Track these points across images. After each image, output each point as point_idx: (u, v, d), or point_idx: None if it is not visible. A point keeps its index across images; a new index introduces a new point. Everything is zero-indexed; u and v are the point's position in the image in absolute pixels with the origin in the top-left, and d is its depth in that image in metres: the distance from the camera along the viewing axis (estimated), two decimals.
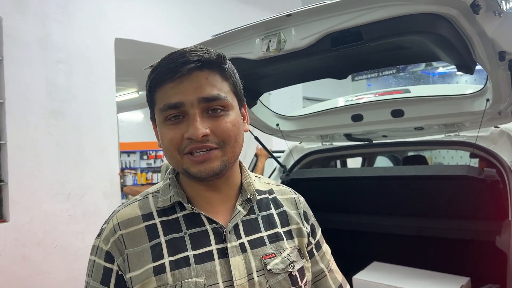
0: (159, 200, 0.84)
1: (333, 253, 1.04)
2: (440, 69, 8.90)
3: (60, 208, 3.27)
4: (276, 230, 0.88)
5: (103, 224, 0.85)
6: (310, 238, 0.95)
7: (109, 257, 0.79)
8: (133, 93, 6.70)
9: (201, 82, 0.78)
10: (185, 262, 0.78)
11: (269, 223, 0.89)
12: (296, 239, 0.91)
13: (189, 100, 0.77)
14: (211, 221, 0.83)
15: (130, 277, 0.77)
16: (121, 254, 0.79)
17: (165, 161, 5.52)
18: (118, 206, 0.87)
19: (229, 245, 0.81)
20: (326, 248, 1.01)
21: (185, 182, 0.86)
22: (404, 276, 2.07)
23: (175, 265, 0.77)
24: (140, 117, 10.89)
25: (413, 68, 8.07)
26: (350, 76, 8.42)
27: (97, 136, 3.53)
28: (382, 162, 4.59)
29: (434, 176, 2.13)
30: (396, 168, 2.52)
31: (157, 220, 0.82)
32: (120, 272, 0.79)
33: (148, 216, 0.83)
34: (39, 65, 3.22)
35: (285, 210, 0.93)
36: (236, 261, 0.81)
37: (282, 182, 2.56)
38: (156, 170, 9.78)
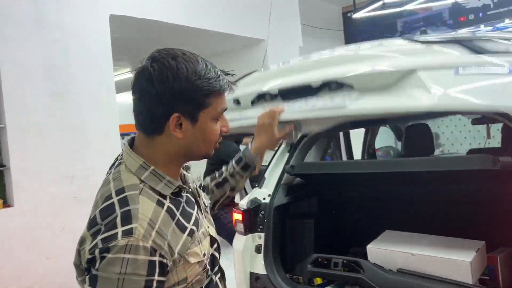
0: (158, 189, 0.98)
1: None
2: None
3: (65, 191, 3.23)
4: (193, 184, 1.19)
5: (126, 225, 0.88)
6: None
7: (153, 251, 0.89)
8: (127, 73, 6.59)
9: None
10: (196, 221, 1.04)
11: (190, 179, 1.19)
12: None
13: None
14: (186, 191, 1.08)
15: (176, 252, 0.94)
16: (163, 244, 0.91)
17: None
18: (121, 208, 0.91)
19: (200, 203, 1.13)
20: None
21: (164, 162, 1.02)
22: (418, 243, 2.07)
23: (195, 226, 1.02)
24: None
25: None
26: None
27: (99, 117, 3.47)
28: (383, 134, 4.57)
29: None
30: (405, 162, 2.25)
31: (167, 203, 0.98)
32: (164, 261, 0.90)
33: (160, 203, 0.96)
34: (35, 45, 3.13)
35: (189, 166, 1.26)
36: (202, 206, 1.14)
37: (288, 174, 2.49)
38: None
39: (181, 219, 0.98)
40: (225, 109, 1.03)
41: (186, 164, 1.16)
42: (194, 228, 1.00)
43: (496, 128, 3.08)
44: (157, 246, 0.89)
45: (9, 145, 2.97)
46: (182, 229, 0.97)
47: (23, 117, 3.03)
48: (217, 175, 1.44)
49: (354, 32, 8.26)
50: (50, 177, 3.15)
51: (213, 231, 1.13)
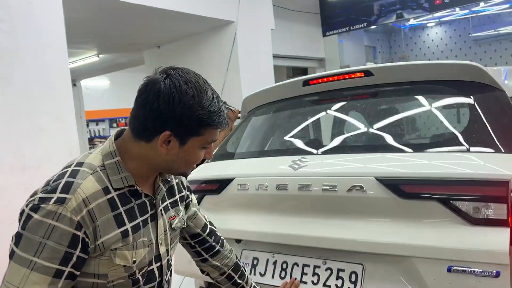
0: (112, 180, 1.03)
1: None
2: (412, 21, 8.76)
3: (15, 181, 3.03)
4: (175, 198, 1.23)
5: (63, 193, 0.96)
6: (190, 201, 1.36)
7: (79, 226, 0.95)
8: (93, 57, 6.32)
9: None
10: (138, 227, 1.06)
11: (171, 192, 1.22)
12: (183, 203, 1.28)
13: None
14: (146, 195, 1.11)
15: (102, 241, 0.99)
16: (91, 224, 0.97)
17: None
18: (68, 177, 0.99)
19: (158, 211, 1.13)
20: (195, 199, 1.40)
21: (136, 163, 1.07)
22: None
23: (134, 229, 1.05)
24: (106, 83, 10.38)
25: (384, 21, 7.89)
26: (321, 31, 8.20)
27: (51, 103, 3.26)
28: None
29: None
30: None
31: (113, 194, 1.03)
32: (86, 239, 0.96)
33: (106, 190, 1.02)
34: None
35: (180, 181, 1.29)
36: (161, 222, 1.14)
37: None
38: None
39: (123, 215, 1.03)
40: (215, 141, 1.09)
41: (169, 179, 1.21)
42: (130, 231, 1.04)
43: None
44: (84, 223, 0.96)
45: None
46: (119, 224, 1.02)
47: None
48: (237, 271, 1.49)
49: (330, 15, 8.13)
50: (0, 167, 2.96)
51: (163, 250, 1.15)
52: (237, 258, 1.50)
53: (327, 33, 8.29)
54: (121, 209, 1.03)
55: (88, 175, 1.01)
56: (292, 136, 2.35)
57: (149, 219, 1.10)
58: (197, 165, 1.16)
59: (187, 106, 0.99)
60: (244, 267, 1.51)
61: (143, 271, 1.09)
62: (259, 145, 2.55)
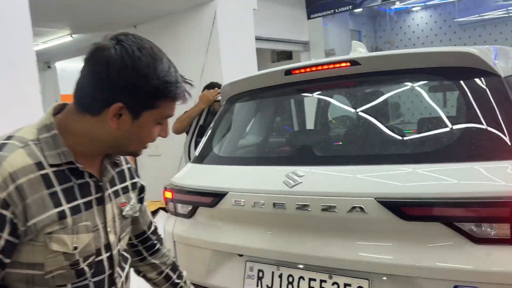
0: (47, 155, 0.91)
1: None
2: (397, 5, 8.63)
3: None
4: (126, 183, 1.12)
5: None
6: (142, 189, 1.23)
7: (5, 204, 0.84)
8: (66, 37, 6.01)
9: None
10: (79, 208, 0.94)
11: (121, 177, 1.11)
12: (136, 190, 1.17)
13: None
14: (91, 175, 0.99)
15: (34, 222, 0.87)
16: (20, 203, 0.85)
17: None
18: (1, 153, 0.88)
19: (106, 194, 1.01)
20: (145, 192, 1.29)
21: (80, 141, 0.96)
22: None
23: (73, 211, 0.93)
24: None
25: (370, 4, 7.73)
26: (305, 13, 8.01)
27: (14, 84, 3.02)
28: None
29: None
30: None
31: (49, 170, 0.91)
32: (15, 220, 0.85)
33: (39, 165, 0.90)
34: None
35: (131, 167, 1.17)
36: (108, 208, 1.02)
37: None
38: None
39: (60, 194, 0.91)
40: (171, 116, 1.00)
41: (117, 161, 1.11)
42: (69, 212, 0.92)
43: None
44: (11, 201, 0.85)
45: None
46: (55, 204, 0.90)
47: None
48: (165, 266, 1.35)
49: None
50: None
51: (113, 239, 1.04)
52: (174, 257, 1.39)
53: (312, 16, 8.09)
54: (57, 188, 0.91)
55: (16, 148, 0.90)
56: (280, 136, 2.22)
57: (94, 202, 0.99)
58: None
59: (141, 74, 0.89)
60: (180, 268, 1.40)
61: (89, 260, 0.97)
62: (246, 145, 2.43)
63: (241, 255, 1.95)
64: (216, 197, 2.01)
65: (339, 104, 2.19)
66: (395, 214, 1.51)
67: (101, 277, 1.01)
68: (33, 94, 3.12)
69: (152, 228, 1.30)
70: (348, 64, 1.91)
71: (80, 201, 0.95)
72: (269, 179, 1.90)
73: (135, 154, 1.04)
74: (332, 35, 8.44)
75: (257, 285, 1.87)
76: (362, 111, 2.03)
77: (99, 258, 0.99)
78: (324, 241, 1.73)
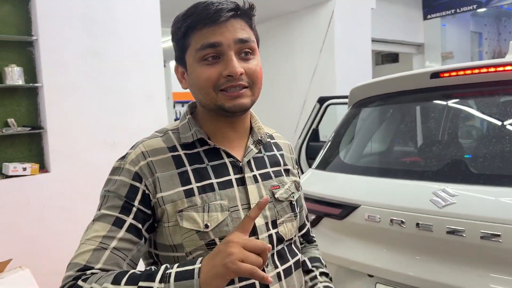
0: (181, 137, 0.96)
1: None
2: None
3: (104, 159, 2.98)
4: (278, 168, 1.06)
5: (128, 150, 0.95)
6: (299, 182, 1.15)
7: (137, 177, 0.89)
8: None
9: (236, 27, 0.90)
10: (210, 188, 0.91)
11: (273, 162, 1.06)
12: (291, 176, 1.09)
13: (227, 41, 0.88)
14: (229, 155, 0.97)
15: (162, 196, 0.89)
16: (150, 176, 0.90)
17: None
18: (141, 139, 0.96)
19: (246, 175, 0.96)
20: (301, 187, 1.20)
21: (205, 121, 0.98)
22: None
23: (202, 190, 0.91)
24: None
25: (498, 2, 6.96)
26: (421, 14, 7.49)
27: (142, 80, 3.17)
28: None
29: None
30: None
31: (181, 152, 0.94)
32: (147, 191, 0.89)
33: (172, 148, 0.94)
34: None
35: (283, 153, 1.11)
36: (252, 189, 0.96)
37: None
38: None
39: (190, 174, 0.92)
40: (210, 45, 0.87)
41: (261, 138, 1.03)
42: (197, 190, 0.91)
43: None
44: (142, 175, 0.90)
45: (46, 106, 2.75)
46: (183, 182, 0.91)
47: (60, 75, 2.80)
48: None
49: None
50: (89, 142, 2.92)
51: (260, 222, 0.96)
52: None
53: (429, 16, 7.54)
54: (188, 168, 0.92)
55: (155, 136, 0.98)
56: (423, 147, 1.98)
57: (234, 182, 0.95)
58: (231, 89, 0.90)
59: (173, 25, 0.94)
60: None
61: None
62: (376, 154, 2.22)
63: (371, 276, 1.77)
64: (345, 208, 1.85)
65: (494, 115, 1.89)
66: None
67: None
68: (158, 92, 3.25)
69: (304, 231, 1.23)
70: None
71: (214, 181, 0.93)
72: (412, 195, 1.68)
73: (216, 107, 0.92)
74: (450, 37, 7.78)
75: None
76: None
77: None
78: (479, 274, 1.48)
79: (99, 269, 0.82)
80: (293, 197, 1.06)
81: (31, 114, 2.79)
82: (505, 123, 1.76)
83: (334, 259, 1.90)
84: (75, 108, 2.86)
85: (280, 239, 0.99)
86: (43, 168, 2.82)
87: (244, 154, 0.99)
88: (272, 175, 1.03)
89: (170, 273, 0.77)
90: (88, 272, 0.81)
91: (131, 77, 3.11)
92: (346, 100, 3.34)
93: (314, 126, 3.56)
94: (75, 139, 2.86)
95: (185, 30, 0.91)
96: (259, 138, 1.03)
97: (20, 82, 2.66)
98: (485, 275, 1.46)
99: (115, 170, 0.93)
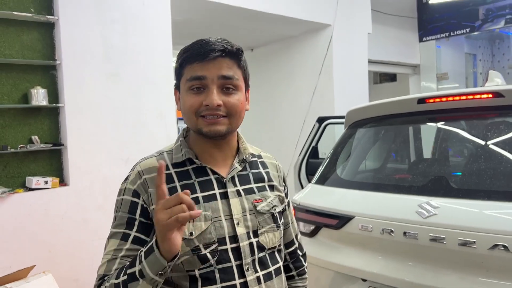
0: (173, 158, 1.10)
1: None
2: None
3: (119, 173, 3.21)
4: (263, 183, 1.17)
5: (129, 172, 1.10)
6: (285, 198, 1.25)
7: (136, 194, 1.04)
8: None
9: (222, 65, 1.04)
10: (196, 200, 1.03)
11: (258, 178, 1.17)
12: (275, 191, 1.20)
13: (211, 75, 1.02)
14: (214, 172, 1.09)
15: (153, 208, 1.02)
16: (146, 192, 1.04)
17: None
18: (140, 159, 1.12)
19: (229, 190, 1.09)
20: (291, 206, 1.34)
21: (194, 142, 1.11)
22: None
23: None
24: None
25: (490, 26, 7.25)
26: (417, 36, 7.77)
27: (154, 100, 3.40)
28: None
29: None
30: None
31: (172, 171, 1.07)
32: (145, 205, 1.03)
33: (165, 167, 1.03)
34: (94, 25, 3.10)
35: (269, 171, 1.22)
36: (234, 202, 1.08)
37: None
38: None
39: (178, 188, 1.05)
40: (196, 77, 1.02)
41: (246, 158, 1.15)
42: None
43: None
44: (140, 191, 1.04)
45: (67, 125, 2.98)
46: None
47: (80, 97, 3.03)
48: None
49: (429, 19, 7.67)
50: (105, 158, 3.14)
51: (242, 231, 1.08)
52: None
53: (424, 39, 7.83)
54: (177, 184, 1.05)
55: (152, 156, 1.12)
56: (410, 165, 2.20)
57: (218, 196, 1.07)
58: (204, 115, 1.03)
59: (177, 55, 1.08)
60: None
61: (211, 248, 1.03)
62: (369, 171, 2.44)
63: (364, 280, 1.96)
64: (341, 219, 2.06)
65: (472, 136, 2.12)
66: None
67: (227, 266, 1.04)
68: (169, 110, 3.48)
69: (291, 250, 1.32)
70: (491, 95, 1.86)
71: (200, 194, 1.05)
72: (400, 207, 1.90)
73: (197, 131, 1.06)
74: (445, 58, 8.04)
75: None
76: (501, 145, 1.94)
77: (223, 247, 1.04)
78: (459, 277, 1.68)
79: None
80: (275, 209, 1.16)
81: (52, 132, 3.02)
82: (481, 144, 1.99)
83: (331, 265, 2.10)
84: (93, 127, 3.09)
85: (261, 247, 1.10)
86: (63, 182, 3.03)
87: (229, 171, 1.11)
88: (256, 190, 1.14)
89: (141, 254, 0.93)
90: (105, 278, 0.99)
91: (144, 98, 3.35)
92: (343, 120, 3.59)
93: (313, 144, 3.77)
94: (92, 155, 3.09)
95: (181, 62, 1.06)
96: (244, 157, 1.15)
97: (44, 102, 2.89)
98: (464, 277, 1.67)
99: (120, 191, 1.08)
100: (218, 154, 1.12)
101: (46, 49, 2.99)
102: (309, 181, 2.88)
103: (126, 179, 1.10)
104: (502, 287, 1.57)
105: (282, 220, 1.21)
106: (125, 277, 0.93)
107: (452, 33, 7.53)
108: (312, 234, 2.24)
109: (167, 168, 1.07)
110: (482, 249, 1.59)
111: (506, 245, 1.52)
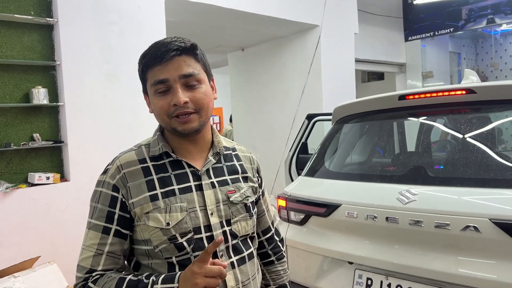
0: (151, 151, 1.15)
1: None
2: (504, 26, 8.22)
3: None
4: (236, 175, 1.23)
5: (107, 166, 1.15)
6: (258, 188, 1.32)
7: (115, 189, 1.09)
8: None
9: (180, 64, 1.07)
10: (172, 192, 1.10)
11: (232, 170, 1.23)
12: (249, 182, 1.26)
13: (172, 77, 1.06)
14: (189, 166, 1.15)
15: (132, 202, 1.08)
16: (124, 186, 1.09)
17: (225, 127, 5.48)
18: (119, 153, 1.17)
19: (203, 182, 1.14)
20: (266, 195, 1.40)
21: (170, 137, 1.16)
22: None
23: (165, 194, 1.09)
24: None
25: (473, 26, 7.49)
26: (403, 36, 7.99)
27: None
28: None
29: None
30: None
31: (149, 164, 1.12)
32: (123, 200, 1.09)
33: (142, 161, 1.13)
34: (92, 27, 3.23)
35: (242, 163, 1.28)
36: (208, 193, 1.14)
37: None
38: None
39: (155, 182, 1.10)
40: (159, 81, 1.07)
41: (219, 151, 1.21)
42: (160, 195, 1.09)
43: None
44: (119, 186, 1.09)
45: (67, 123, 3.10)
46: (149, 189, 1.10)
47: (80, 96, 3.16)
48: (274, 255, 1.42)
49: (414, 19, 7.89)
50: (103, 155, 3.27)
51: (215, 221, 1.13)
52: (289, 284, 1.45)
53: (410, 38, 8.05)
54: (154, 177, 1.10)
55: (130, 150, 1.17)
56: (391, 156, 2.36)
57: (193, 188, 1.13)
58: (179, 115, 1.08)
59: (138, 62, 1.13)
60: None
61: (187, 237, 1.09)
62: (355, 163, 2.60)
63: (351, 263, 2.13)
64: (329, 208, 2.22)
65: (448, 129, 2.29)
66: (509, 234, 1.62)
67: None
68: None
69: (268, 236, 1.40)
70: (464, 92, 2.04)
71: (176, 187, 1.11)
72: (383, 195, 2.07)
73: (172, 130, 1.11)
74: (430, 57, 8.26)
75: None
76: (473, 137, 2.12)
77: (198, 236, 1.10)
78: (435, 256, 1.85)
79: (102, 270, 1.07)
80: (248, 200, 1.22)
81: (52, 130, 3.14)
82: (456, 136, 2.17)
83: (320, 250, 2.26)
84: (91, 125, 3.22)
85: (234, 235, 1.16)
86: (63, 178, 3.16)
87: (203, 164, 1.17)
88: (229, 181, 1.20)
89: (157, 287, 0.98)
90: (94, 274, 1.06)
91: (140, 97, 3.47)
92: (331, 117, 3.76)
93: (303, 140, 3.92)
94: (91, 152, 3.21)
95: (143, 68, 1.11)
96: (218, 151, 1.21)
97: (45, 101, 3.01)
98: (439, 256, 1.84)
99: (99, 183, 1.13)
100: (193, 148, 1.17)
101: (45, 50, 3.10)
102: (299, 175, 3.03)
103: (106, 171, 1.14)
104: (474, 264, 1.74)
105: (255, 210, 1.27)
106: None
107: (436, 33, 7.75)
108: (302, 222, 2.40)
109: (145, 161, 1.13)
110: (456, 230, 1.76)
111: (477, 226, 1.70)
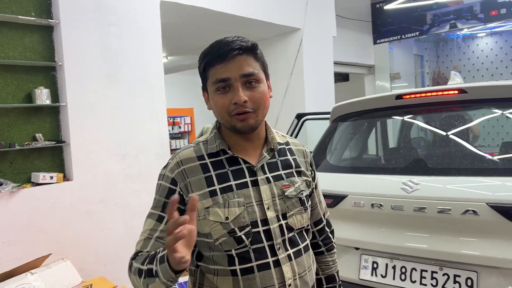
0: (208, 148, 1.20)
1: None
2: (465, 31, 8.76)
3: (117, 168, 3.40)
4: (290, 170, 1.26)
5: (169, 160, 1.21)
6: (312, 181, 1.33)
7: (173, 182, 1.16)
8: (163, 58, 6.70)
9: (241, 63, 1.11)
10: (230, 188, 1.14)
11: (286, 165, 1.26)
12: (302, 177, 1.28)
13: (234, 76, 1.10)
14: (245, 162, 1.19)
15: (190, 196, 1.07)
16: (183, 181, 1.15)
17: (204, 126, 5.63)
18: (179, 149, 1.23)
19: (259, 178, 1.18)
20: (319, 187, 1.43)
21: (227, 135, 1.21)
22: None
23: (223, 190, 1.14)
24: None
25: (437, 30, 7.96)
26: (372, 39, 8.36)
27: (148, 99, 3.61)
28: None
29: None
30: None
31: (207, 160, 1.18)
32: (181, 192, 1.15)
33: (200, 157, 1.18)
34: (93, 28, 3.27)
35: (296, 158, 1.30)
36: (264, 188, 1.17)
37: None
38: (174, 136, 9.77)
39: (213, 178, 1.15)
40: (221, 80, 1.11)
41: (273, 147, 1.23)
42: (219, 191, 1.14)
43: None
44: (177, 179, 1.16)
45: (69, 123, 3.13)
46: (208, 184, 1.15)
47: (81, 96, 3.19)
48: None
49: (382, 23, 8.28)
50: (104, 154, 3.32)
51: (271, 215, 1.16)
52: (337, 275, 1.48)
53: (378, 41, 8.44)
54: (212, 173, 1.15)
55: (190, 146, 1.23)
56: (392, 150, 2.56)
57: (249, 184, 1.16)
58: (239, 113, 1.11)
59: (199, 60, 1.18)
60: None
61: (245, 230, 1.13)
62: (359, 157, 2.78)
63: (357, 249, 2.31)
64: (336, 198, 2.40)
65: (442, 125, 2.54)
66: (504, 216, 1.85)
67: (260, 246, 1.15)
68: (161, 109, 3.71)
69: (320, 227, 1.43)
70: (457, 92, 2.28)
71: (233, 182, 1.15)
72: (387, 185, 2.27)
73: (231, 128, 1.16)
74: (397, 59, 8.68)
75: (372, 274, 2.21)
76: (466, 131, 2.37)
77: (256, 230, 1.14)
78: (437, 238, 2.06)
79: (147, 251, 1.12)
80: (302, 194, 1.25)
81: (54, 130, 3.16)
82: (450, 131, 2.41)
83: None
84: (93, 124, 3.26)
85: (290, 228, 1.20)
86: (65, 177, 3.18)
87: (258, 160, 1.20)
88: (284, 176, 1.23)
89: (157, 258, 1.03)
90: (139, 254, 1.13)
91: (139, 97, 3.55)
92: (319, 116, 3.97)
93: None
94: (93, 151, 3.25)
95: (204, 66, 1.15)
96: (272, 147, 1.24)
97: (47, 102, 3.02)
98: (442, 238, 2.05)
99: (160, 177, 1.20)
100: (248, 145, 1.21)
101: (46, 51, 3.12)
102: None
103: (166, 166, 1.21)
104: (472, 243, 1.97)
105: (310, 202, 1.30)
106: (147, 267, 1.06)
107: (403, 36, 8.18)
108: None
109: (203, 158, 1.19)
110: (457, 215, 1.97)
111: (475, 209, 1.92)
